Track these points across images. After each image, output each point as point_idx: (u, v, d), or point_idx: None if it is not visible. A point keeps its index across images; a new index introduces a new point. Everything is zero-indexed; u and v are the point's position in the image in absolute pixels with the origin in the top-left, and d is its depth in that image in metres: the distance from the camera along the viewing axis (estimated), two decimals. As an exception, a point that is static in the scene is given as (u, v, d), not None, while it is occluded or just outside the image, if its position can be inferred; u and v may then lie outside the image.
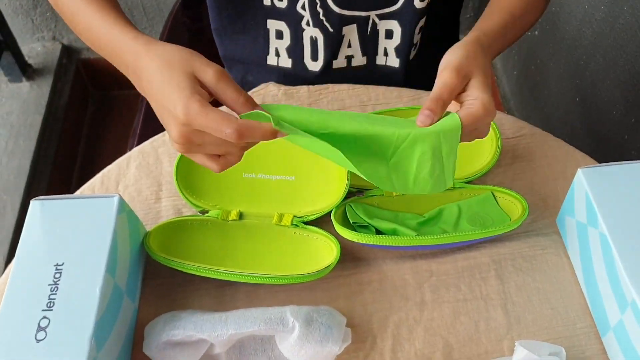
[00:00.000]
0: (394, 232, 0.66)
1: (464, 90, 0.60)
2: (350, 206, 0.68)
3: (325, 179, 0.70)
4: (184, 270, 0.62)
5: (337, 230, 0.64)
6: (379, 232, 0.66)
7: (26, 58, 1.73)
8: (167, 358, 0.57)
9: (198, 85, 0.55)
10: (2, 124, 1.62)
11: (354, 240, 0.63)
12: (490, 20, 0.69)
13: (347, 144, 0.56)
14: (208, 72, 0.55)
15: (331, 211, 0.66)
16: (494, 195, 0.70)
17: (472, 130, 0.59)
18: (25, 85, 1.71)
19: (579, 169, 0.62)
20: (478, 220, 0.68)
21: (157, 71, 0.56)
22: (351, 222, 0.67)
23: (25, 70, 1.72)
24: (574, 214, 0.64)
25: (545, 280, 0.65)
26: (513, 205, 0.68)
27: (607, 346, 0.60)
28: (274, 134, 0.54)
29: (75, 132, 1.78)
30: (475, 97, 0.59)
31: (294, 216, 0.68)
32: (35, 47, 1.78)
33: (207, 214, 0.69)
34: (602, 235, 0.59)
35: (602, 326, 0.61)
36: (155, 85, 0.56)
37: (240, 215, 0.69)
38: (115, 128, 1.83)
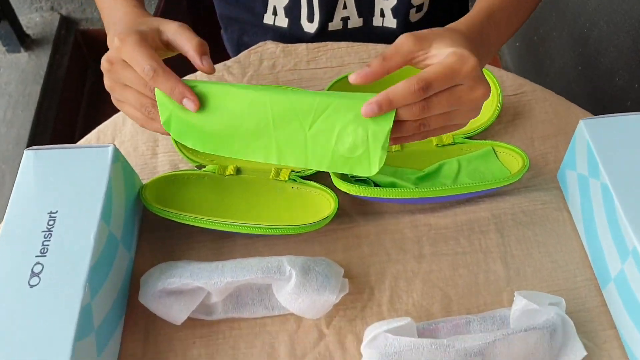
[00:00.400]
0: (392, 186, 0.65)
1: (426, 55, 0.54)
2: None
3: None
4: (180, 221, 0.61)
5: (336, 184, 0.63)
6: (377, 186, 0.66)
7: (24, 28, 1.72)
8: (163, 306, 0.56)
9: (155, 36, 0.58)
10: (1, 93, 1.61)
11: (352, 193, 0.63)
12: (471, 11, 0.64)
13: (263, 107, 0.55)
14: (173, 23, 0.59)
15: None
16: (494, 151, 0.69)
17: (453, 93, 0.52)
18: (23, 55, 1.70)
19: (580, 120, 0.61)
20: (478, 175, 0.67)
21: (131, 20, 0.61)
22: (349, 176, 0.66)
23: (24, 40, 1.70)
24: (575, 166, 0.63)
25: (546, 234, 0.65)
26: (514, 160, 0.67)
27: (608, 298, 0.60)
28: (182, 94, 0.55)
29: (74, 103, 1.76)
30: (445, 53, 0.53)
31: (292, 171, 0.67)
32: (33, 18, 1.77)
33: (203, 169, 0.68)
34: (603, 185, 0.58)
35: (603, 278, 0.60)
36: (121, 27, 0.59)
37: (238, 170, 0.68)
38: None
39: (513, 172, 0.67)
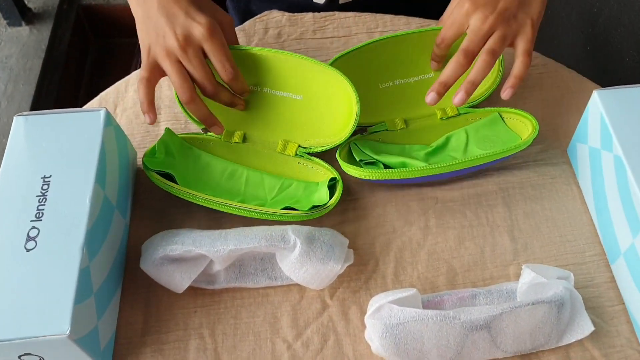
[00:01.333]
0: (402, 166, 0.64)
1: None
2: (355, 144, 0.65)
3: (334, 105, 0.65)
4: (179, 196, 0.60)
5: (345, 170, 0.61)
6: (387, 167, 0.64)
7: (26, 2, 1.69)
8: (165, 274, 0.55)
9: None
10: (2, 67, 1.59)
11: (363, 177, 0.60)
12: None
13: (240, 177, 0.65)
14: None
15: (337, 147, 0.64)
16: (501, 117, 0.67)
17: (469, 35, 0.60)
18: (24, 29, 1.68)
19: (594, 91, 0.60)
20: (487, 143, 0.65)
21: None
22: (357, 160, 0.64)
23: (25, 14, 1.68)
24: (587, 140, 0.62)
25: (554, 209, 0.63)
26: (522, 125, 0.65)
27: (616, 273, 0.58)
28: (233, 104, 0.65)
29: (76, 78, 1.75)
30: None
31: (299, 145, 0.66)
32: (34, -9, 1.74)
33: (209, 134, 0.66)
34: (616, 157, 0.56)
35: (612, 253, 0.59)
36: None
37: (244, 138, 0.67)
38: (116, 76, 1.79)
39: (523, 137, 0.65)
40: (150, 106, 0.60)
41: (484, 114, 0.68)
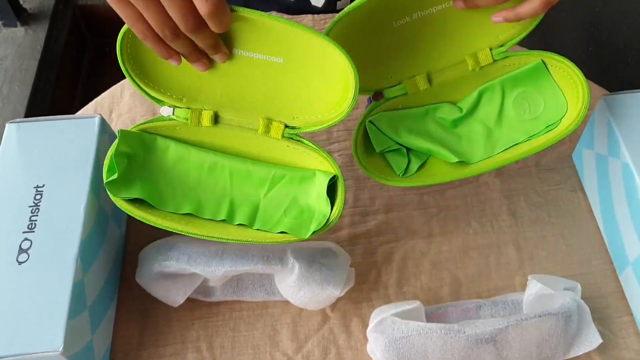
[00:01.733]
0: (428, 152, 0.57)
1: None
2: (372, 123, 0.56)
3: (324, 71, 0.51)
4: (157, 227, 0.52)
5: (376, 179, 0.54)
6: (408, 149, 0.57)
7: (21, 2, 1.68)
8: (161, 288, 0.54)
9: None
10: (-3, 68, 1.58)
11: (397, 185, 0.55)
12: None
13: (222, 172, 0.56)
14: None
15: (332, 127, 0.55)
16: (545, 65, 0.57)
17: None
18: (20, 30, 1.66)
19: (601, 96, 0.58)
20: (526, 104, 0.57)
21: None
22: (378, 151, 0.56)
23: (20, 14, 1.66)
24: (593, 145, 0.61)
25: (560, 216, 0.62)
26: (569, 80, 0.55)
27: (625, 283, 0.57)
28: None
29: (72, 79, 1.73)
30: None
31: (286, 126, 0.54)
32: (30, -9, 1.73)
33: (172, 116, 0.54)
34: (624, 164, 0.55)
35: (620, 262, 0.57)
36: None
37: (216, 119, 0.54)
38: (113, 76, 1.78)
39: (569, 97, 0.55)
40: (170, 51, 0.48)
41: (525, 59, 0.57)
